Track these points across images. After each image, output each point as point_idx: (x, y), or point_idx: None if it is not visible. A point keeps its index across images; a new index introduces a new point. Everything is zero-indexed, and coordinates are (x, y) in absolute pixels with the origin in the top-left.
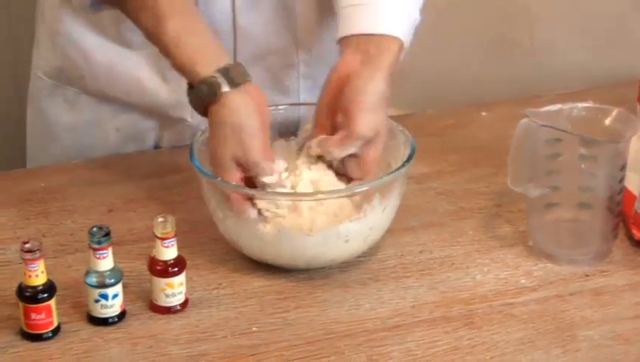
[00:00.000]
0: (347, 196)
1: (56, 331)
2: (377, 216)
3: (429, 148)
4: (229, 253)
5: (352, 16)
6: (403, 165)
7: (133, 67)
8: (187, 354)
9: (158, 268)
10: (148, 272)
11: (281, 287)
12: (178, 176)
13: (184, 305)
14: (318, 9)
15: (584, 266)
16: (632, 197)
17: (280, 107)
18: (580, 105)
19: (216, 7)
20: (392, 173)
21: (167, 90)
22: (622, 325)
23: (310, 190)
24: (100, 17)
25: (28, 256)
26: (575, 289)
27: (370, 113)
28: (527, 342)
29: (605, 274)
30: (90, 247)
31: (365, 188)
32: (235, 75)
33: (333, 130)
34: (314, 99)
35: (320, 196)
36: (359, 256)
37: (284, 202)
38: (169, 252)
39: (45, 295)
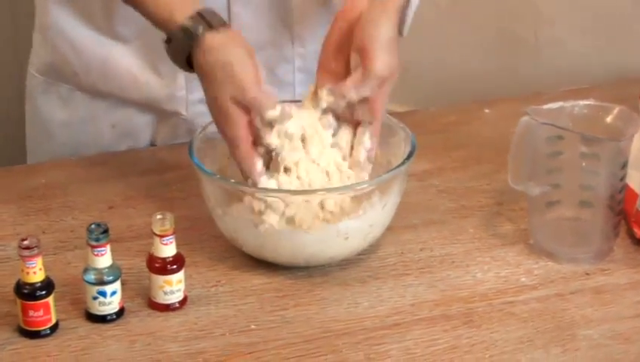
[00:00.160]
0: (347, 193)
1: (54, 328)
2: (377, 213)
3: (432, 146)
4: (228, 250)
5: None
6: (403, 162)
7: (125, 61)
8: (185, 351)
9: (157, 265)
10: (147, 269)
11: (280, 285)
12: (178, 172)
13: (183, 302)
14: (314, 2)
15: (585, 265)
16: (634, 196)
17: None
18: (582, 102)
19: None
20: (391, 170)
21: (161, 84)
22: (622, 324)
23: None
24: (90, 10)
25: (26, 252)
26: (576, 288)
27: (386, 52)
28: (526, 341)
29: (606, 272)
30: (89, 244)
31: (365, 186)
32: (211, 19)
33: (337, 76)
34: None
35: (320, 193)
36: (359, 254)
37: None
38: (167, 249)
39: (43, 292)
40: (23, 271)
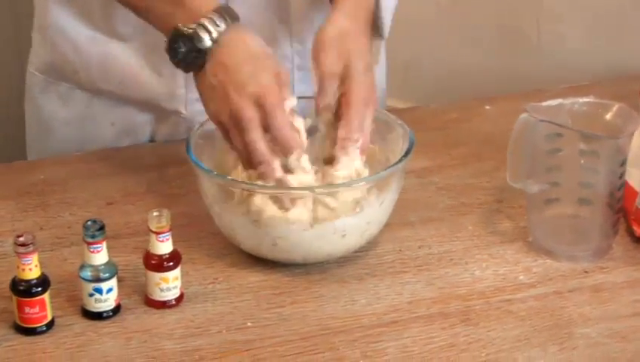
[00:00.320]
0: (343, 190)
1: (50, 325)
2: (374, 211)
3: (432, 142)
4: (226, 247)
5: None
6: (400, 160)
7: (125, 59)
8: (181, 348)
9: (153, 262)
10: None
11: (277, 282)
12: (178, 169)
13: (179, 299)
14: (312, 0)
15: (584, 263)
16: (634, 193)
17: None
18: (581, 100)
19: None
20: (388, 167)
21: (161, 83)
22: (620, 323)
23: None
24: (89, 9)
25: (21, 249)
26: (574, 286)
27: (330, 48)
28: (523, 339)
29: (605, 270)
30: (85, 241)
31: (362, 184)
32: (232, 14)
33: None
34: (308, 92)
35: (318, 191)
36: (357, 251)
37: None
38: (164, 246)
39: (39, 289)
40: (18, 267)
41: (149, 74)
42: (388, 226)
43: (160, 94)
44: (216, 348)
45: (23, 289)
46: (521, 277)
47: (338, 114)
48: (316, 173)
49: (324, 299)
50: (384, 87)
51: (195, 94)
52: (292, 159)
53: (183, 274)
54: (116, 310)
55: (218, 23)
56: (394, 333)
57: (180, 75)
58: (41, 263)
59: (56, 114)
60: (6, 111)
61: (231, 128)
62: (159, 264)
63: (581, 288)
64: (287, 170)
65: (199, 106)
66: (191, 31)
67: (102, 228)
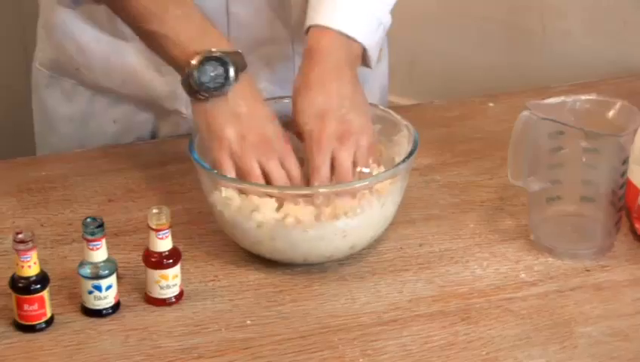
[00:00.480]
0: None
1: (49, 322)
2: (376, 212)
3: (435, 140)
4: (227, 244)
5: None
6: (403, 161)
7: (127, 59)
8: (180, 346)
9: (153, 259)
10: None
11: (277, 280)
12: (180, 166)
13: (179, 297)
14: None
15: (586, 261)
16: (636, 191)
17: (285, 100)
18: (583, 97)
19: None
20: (389, 170)
21: (162, 82)
22: (621, 321)
23: None
24: (93, 8)
25: (21, 246)
26: (575, 285)
27: (303, 106)
28: (524, 338)
29: (606, 269)
30: (84, 238)
31: (361, 185)
32: (240, 62)
33: None
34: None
35: (316, 190)
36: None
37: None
38: (163, 243)
39: (38, 286)
40: (17, 265)
41: (150, 73)
42: (389, 224)
43: (161, 94)
44: (216, 346)
45: (22, 287)
46: (523, 276)
47: None
48: None
49: (324, 298)
50: (386, 83)
51: None
52: None
53: (184, 272)
54: (115, 307)
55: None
56: (394, 332)
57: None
58: (42, 260)
59: (60, 110)
60: (16, 105)
61: (248, 154)
62: (159, 261)
63: (583, 286)
64: None
65: None
66: (223, 55)
67: (101, 225)
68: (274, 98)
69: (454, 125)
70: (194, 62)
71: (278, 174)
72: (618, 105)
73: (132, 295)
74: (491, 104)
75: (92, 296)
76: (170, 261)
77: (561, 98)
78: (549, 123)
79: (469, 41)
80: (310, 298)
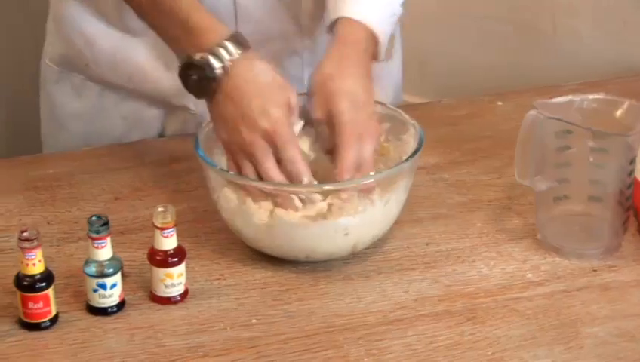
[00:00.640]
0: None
1: (54, 320)
2: (378, 211)
3: (443, 138)
4: (233, 243)
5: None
6: (406, 160)
7: (135, 54)
8: (185, 345)
9: (158, 258)
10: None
11: (283, 279)
12: (186, 164)
13: (184, 295)
14: None
15: (593, 261)
16: None
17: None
18: (591, 96)
19: None
20: (392, 168)
21: (170, 78)
22: (628, 322)
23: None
24: (102, 3)
25: (25, 244)
26: (582, 285)
27: (315, 96)
28: (529, 338)
29: (614, 269)
30: (89, 237)
31: (355, 184)
32: (243, 42)
33: None
34: None
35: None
36: (364, 248)
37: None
38: (168, 242)
39: (43, 284)
40: (22, 263)
41: (158, 69)
42: (396, 223)
43: (169, 90)
44: (220, 344)
45: (27, 285)
46: (529, 275)
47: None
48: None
49: (329, 296)
50: (400, 82)
51: None
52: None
53: (190, 270)
54: (120, 306)
55: (229, 52)
56: (399, 331)
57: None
58: (48, 258)
59: (68, 106)
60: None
61: (241, 159)
62: (164, 260)
63: (589, 286)
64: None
65: None
66: (202, 60)
67: (106, 223)
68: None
69: (463, 124)
70: (177, 70)
71: (270, 179)
72: (626, 104)
73: (137, 293)
74: (500, 103)
75: (97, 294)
76: (175, 259)
77: (569, 97)
78: (557, 122)
79: (479, 40)
80: (316, 297)
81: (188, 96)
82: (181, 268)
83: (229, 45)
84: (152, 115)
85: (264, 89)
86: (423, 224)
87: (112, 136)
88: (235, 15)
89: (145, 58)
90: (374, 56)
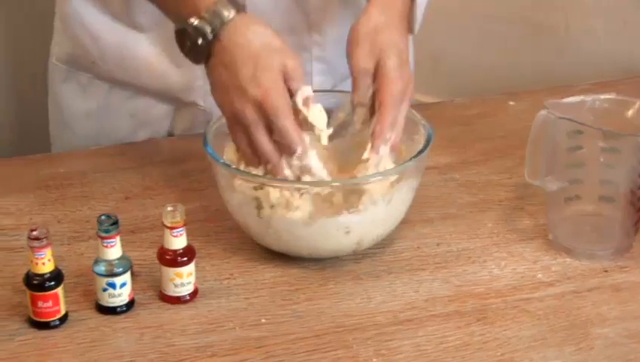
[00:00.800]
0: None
1: (63, 319)
2: (380, 209)
3: (455, 138)
4: (244, 242)
5: None
6: (410, 160)
7: (143, 50)
8: (194, 345)
9: (167, 257)
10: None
11: (292, 279)
12: (197, 163)
13: (193, 295)
14: None
15: (604, 261)
16: None
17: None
18: (602, 96)
19: None
20: (395, 167)
21: (178, 74)
22: (638, 323)
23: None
24: (109, 0)
25: (35, 243)
26: (593, 285)
27: (361, 46)
28: (539, 339)
29: (625, 270)
30: (99, 236)
31: (364, 182)
32: (235, 5)
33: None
34: (327, 83)
35: (316, 186)
36: (374, 247)
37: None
38: (178, 241)
39: (52, 283)
40: (32, 261)
41: (166, 65)
42: (406, 222)
43: (177, 86)
44: (229, 344)
45: (37, 284)
46: (540, 276)
47: (372, 111)
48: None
49: (339, 296)
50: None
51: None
52: (296, 158)
53: (200, 269)
54: (130, 305)
55: (220, 15)
56: (409, 331)
57: (197, 66)
58: (58, 257)
59: (76, 105)
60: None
61: (233, 126)
62: (173, 259)
63: (600, 287)
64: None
65: None
66: (193, 24)
67: (115, 222)
68: (323, 91)
69: (475, 123)
70: (175, 35)
71: (261, 149)
72: (637, 104)
73: (147, 292)
74: (512, 102)
75: (106, 293)
76: (185, 259)
77: (580, 97)
78: (568, 122)
79: (492, 40)
80: (325, 297)
81: (197, 91)
82: (190, 268)
83: (221, 8)
84: (161, 112)
85: (256, 54)
86: (434, 224)
87: (120, 135)
88: (243, 7)
89: (152, 54)
90: (404, 11)
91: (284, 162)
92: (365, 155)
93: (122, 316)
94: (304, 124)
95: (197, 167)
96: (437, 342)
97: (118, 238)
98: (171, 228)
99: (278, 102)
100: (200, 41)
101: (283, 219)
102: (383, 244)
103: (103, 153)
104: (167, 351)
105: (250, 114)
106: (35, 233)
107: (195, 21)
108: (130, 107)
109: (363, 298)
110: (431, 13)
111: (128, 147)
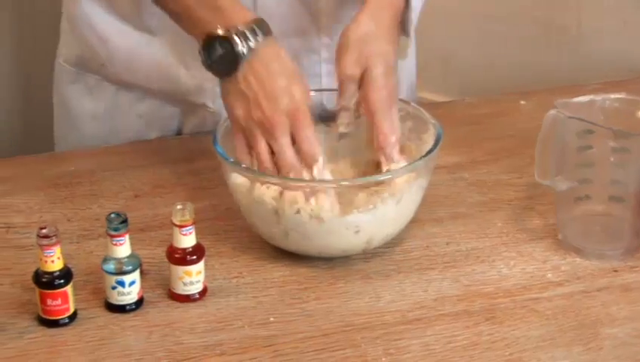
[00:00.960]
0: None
1: (72, 317)
2: (390, 209)
3: (465, 137)
4: (253, 241)
5: None
6: (419, 159)
7: (153, 53)
8: (202, 343)
9: (177, 255)
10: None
11: (302, 277)
12: (207, 162)
13: (202, 293)
14: None
15: (613, 261)
16: None
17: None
18: (612, 96)
19: None
20: (403, 166)
21: (188, 76)
22: None
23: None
24: (118, 2)
25: (44, 241)
26: (602, 285)
27: (349, 53)
28: (548, 339)
29: (635, 269)
30: (108, 234)
31: (373, 181)
32: (266, 28)
33: None
34: (336, 85)
35: (325, 185)
36: (383, 246)
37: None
38: (187, 240)
39: (61, 281)
40: (41, 259)
41: (176, 67)
42: (416, 222)
43: (187, 88)
44: (238, 343)
45: (46, 282)
46: (549, 276)
47: (356, 114)
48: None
49: (348, 295)
50: (414, 79)
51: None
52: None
53: (209, 268)
54: (139, 303)
55: (256, 32)
56: (417, 331)
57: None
58: (68, 255)
59: (83, 107)
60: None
61: (256, 134)
62: (182, 258)
63: (610, 287)
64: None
65: None
66: (229, 35)
67: (125, 221)
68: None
69: (485, 123)
70: (200, 44)
71: (284, 155)
72: None
73: (156, 291)
74: (523, 102)
75: (115, 291)
76: (194, 257)
77: (590, 97)
78: (578, 122)
79: (503, 39)
80: (334, 296)
81: (206, 93)
82: (200, 266)
83: (256, 27)
84: (169, 114)
85: (288, 71)
86: (443, 223)
87: (127, 136)
88: (254, 10)
89: (162, 56)
90: (398, 17)
91: (304, 173)
92: (384, 168)
93: (131, 314)
94: None
95: (207, 165)
96: (445, 341)
97: (127, 236)
98: (180, 227)
99: (308, 114)
100: (239, 49)
101: (293, 218)
102: (393, 243)
103: (113, 151)
104: (175, 350)
105: (281, 118)
106: (44, 231)
107: (231, 32)
108: (139, 109)
109: (372, 297)
110: (441, 13)
111: (138, 145)
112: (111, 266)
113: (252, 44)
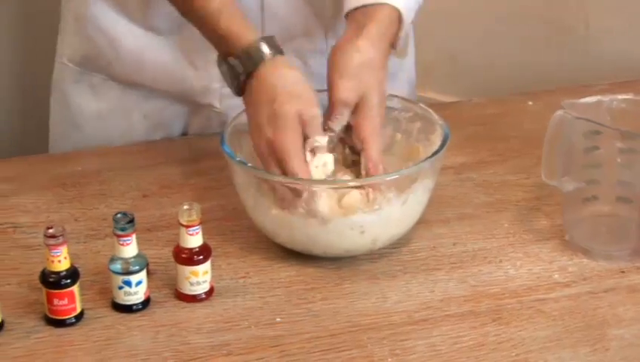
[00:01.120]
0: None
1: (79, 317)
2: (395, 210)
3: (472, 138)
4: (260, 241)
5: None
6: (424, 160)
7: (160, 53)
8: (209, 343)
9: (183, 256)
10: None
11: (308, 278)
12: (214, 162)
13: (209, 293)
14: None
15: (621, 262)
16: None
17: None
18: (620, 97)
19: None
20: (409, 168)
21: (195, 77)
22: None
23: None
24: (127, 2)
25: (51, 241)
26: (609, 286)
27: (347, 78)
28: (554, 340)
29: None
30: (115, 234)
31: (377, 181)
32: (274, 45)
33: None
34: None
35: (327, 186)
36: (390, 247)
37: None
38: (194, 240)
39: (68, 281)
40: (48, 259)
41: (184, 68)
42: (423, 222)
43: (194, 88)
44: (244, 343)
45: (52, 281)
46: (556, 276)
47: (346, 139)
48: None
49: (354, 296)
50: (414, 78)
51: (229, 89)
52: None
53: (216, 268)
54: (146, 303)
55: (254, 56)
56: (424, 331)
57: (214, 69)
58: (75, 255)
59: (86, 106)
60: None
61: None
62: (189, 258)
63: (616, 288)
64: None
65: (233, 101)
66: (230, 63)
67: (131, 220)
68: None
69: (492, 123)
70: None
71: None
72: None
73: (163, 291)
74: (530, 102)
75: (122, 291)
76: (201, 257)
77: (597, 97)
78: (585, 122)
79: (510, 39)
80: (341, 296)
81: (213, 94)
82: (206, 266)
83: (255, 50)
84: (175, 113)
85: (273, 98)
86: (450, 224)
87: (132, 136)
88: (261, 12)
89: (170, 56)
90: (392, 41)
91: (296, 201)
92: (370, 197)
93: (138, 314)
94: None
95: (214, 165)
96: (451, 342)
97: (134, 236)
98: (187, 227)
99: (287, 145)
100: (242, 78)
101: (299, 219)
102: (400, 244)
103: (120, 152)
104: (182, 350)
105: (264, 150)
106: (51, 231)
107: (232, 60)
108: (144, 108)
109: (378, 297)
110: (449, 14)
111: (146, 145)
112: (118, 266)
113: (250, 70)
